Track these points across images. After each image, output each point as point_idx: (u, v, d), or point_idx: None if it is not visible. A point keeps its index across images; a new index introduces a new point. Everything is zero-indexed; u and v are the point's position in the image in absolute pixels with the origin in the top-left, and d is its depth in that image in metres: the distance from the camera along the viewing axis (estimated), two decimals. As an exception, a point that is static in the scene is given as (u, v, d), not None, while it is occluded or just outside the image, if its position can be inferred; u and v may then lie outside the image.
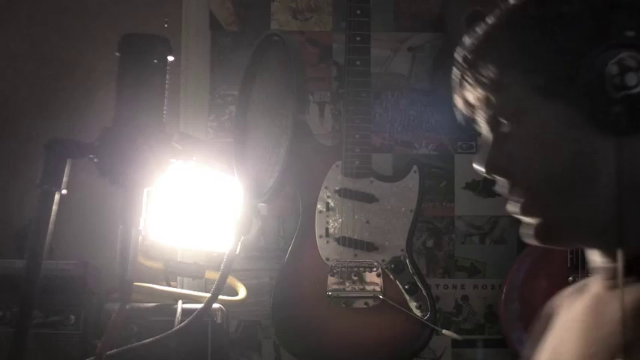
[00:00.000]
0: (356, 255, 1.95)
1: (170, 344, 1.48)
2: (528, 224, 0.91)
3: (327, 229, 1.96)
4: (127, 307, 0.78)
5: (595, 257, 0.93)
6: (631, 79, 0.81)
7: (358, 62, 1.98)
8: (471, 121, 0.98)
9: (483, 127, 0.95)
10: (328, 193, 1.97)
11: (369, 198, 1.97)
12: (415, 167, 1.99)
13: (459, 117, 0.99)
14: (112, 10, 2.16)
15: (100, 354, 0.79)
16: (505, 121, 0.90)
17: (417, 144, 2.17)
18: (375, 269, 1.94)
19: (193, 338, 1.52)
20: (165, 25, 2.08)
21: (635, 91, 0.81)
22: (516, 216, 0.92)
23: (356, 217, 1.96)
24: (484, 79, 0.90)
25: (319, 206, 1.97)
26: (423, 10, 2.23)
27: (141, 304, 1.57)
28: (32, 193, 0.77)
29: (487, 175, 0.93)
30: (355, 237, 1.96)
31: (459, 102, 0.96)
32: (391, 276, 1.94)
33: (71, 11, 2.18)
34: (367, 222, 1.96)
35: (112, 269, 0.85)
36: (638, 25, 0.84)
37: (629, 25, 0.84)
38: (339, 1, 2.21)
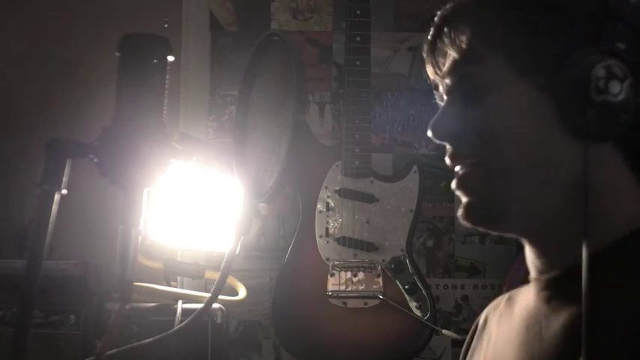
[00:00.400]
0: (356, 255, 1.95)
1: (170, 344, 1.48)
2: (462, 202, 0.89)
3: (327, 229, 1.96)
4: (127, 307, 0.78)
5: (531, 260, 0.91)
6: (615, 86, 0.80)
7: (358, 62, 1.98)
8: (434, 88, 0.96)
9: (443, 93, 0.92)
10: (328, 193, 1.97)
11: (369, 198, 1.97)
12: (415, 167, 1.99)
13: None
14: (112, 10, 2.16)
15: (100, 354, 0.79)
16: (471, 90, 0.87)
17: (417, 144, 2.17)
18: (375, 269, 1.94)
19: (193, 338, 1.52)
20: (165, 25, 2.08)
21: (614, 99, 0.80)
22: (454, 190, 0.89)
23: (356, 217, 1.96)
24: (462, 43, 0.87)
25: (319, 206, 1.97)
26: (423, 10, 2.23)
27: (141, 304, 1.57)
28: (32, 193, 0.77)
29: (436, 140, 0.90)
30: (355, 237, 1.96)
31: (427, 65, 0.93)
32: (391, 276, 1.94)
33: (71, 11, 2.18)
34: (367, 222, 1.96)
35: (112, 269, 0.85)
36: (629, 39, 0.83)
37: (621, 37, 0.83)
38: (339, 1, 2.21)
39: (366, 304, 1.92)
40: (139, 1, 2.18)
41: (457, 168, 0.89)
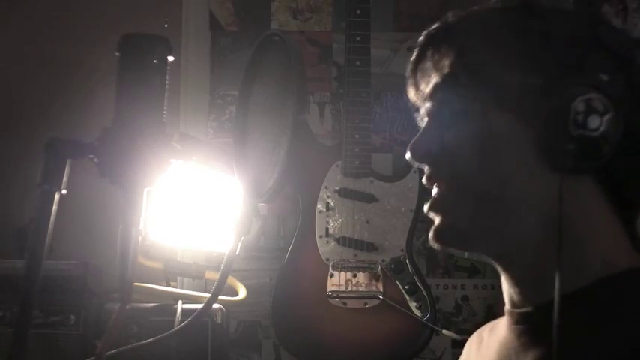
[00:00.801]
0: (356, 255, 1.95)
1: (170, 344, 1.48)
2: (434, 223, 0.88)
3: (327, 229, 1.96)
4: (127, 307, 0.78)
5: (506, 289, 0.90)
6: (594, 121, 0.78)
7: (358, 62, 1.98)
8: (415, 110, 0.96)
9: (424, 115, 0.92)
10: (328, 193, 1.97)
11: (369, 198, 1.97)
12: (415, 167, 1.98)
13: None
14: (112, 10, 2.16)
15: (100, 354, 0.80)
16: (450, 115, 0.87)
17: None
18: (375, 269, 1.94)
19: (193, 338, 1.52)
20: (165, 25, 2.08)
21: (592, 134, 0.78)
22: (426, 212, 0.89)
23: (356, 217, 1.96)
24: (444, 67, 0.87)
25: (319, 206, 1.97)
26: (422, 10, 2.23)
27: (141, 304, 1.57)
28: (32, 193, 0.77)
29: (413, 161, 0.90)
30: (355, 237, 1.96)
31: (410, 86, 0.93)
32: (391, 276, 1.94)
33: (71, 11, 2.18)
34: (367, 222, 1.96)
35: (112, 269, 0.85)
36: (612, 71, 0.81)
37: (605, 68, 0.82)
38: (339, 1, 2.21)
39: (366, 304, 1.92)
40: (139, 1, 2.18)
41: (433, 191, 0.89)
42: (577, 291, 0.81)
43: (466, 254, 0.91)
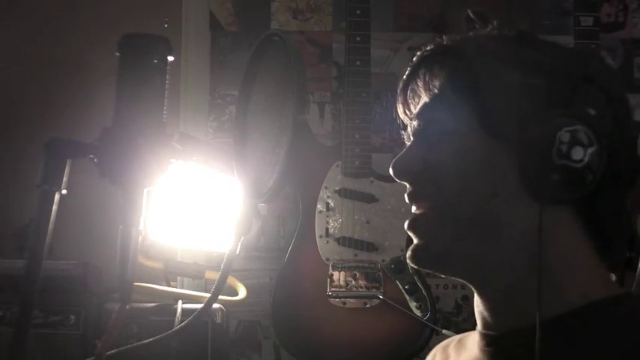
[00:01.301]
0: (356, 255, 1.95)
1: (170, 344, 1.48)
2: (413, 243, 0.89)
3: (327, 229, 1.96)
4: (127, 307, 0.78)
5: (479, 310, 0.90)
6: (577, 153, 0.79)
7: (358, 62, 1.98)
8: (402, 128, 0.96)
9: (410, 134, 0.92)
10: (328, 193, 1.97)
11: (369, 198, 1.97)
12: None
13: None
14: (112, 10, 2.16)
15: (100, 354, 0.79)
16: (435, 135, 0.87)
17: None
18: (375, 269, 1.94)
19: (193, 338, 1.52)
20: (165, 25, 2.08)
21: (575, 165, 0.79)
22: (406, 230, 0.90)
23: (356, 217, 1.96)
24: (434, 88, 0.87)
25: (319, 206, 1.97)
26: (422, 11, 2.23)
27: (141, 304, 1.57)
28: (32, 193, 0.77)
29: (396, 178, 0.90)
30: (355, 237, 1.96)
31: (399, 104, 0.94)
32: (391, 276, 1.94)
33: (71, 11, 2.18)
34: (367, 222, 1.96)
35: (112, 269, 0.85)
36: (600, 106, 0.82)
37: (592, 103, 0.82)
38: (339, 1, 2.21)
39: (365, 304, 1.92)
40: (139, 1, 2.18)
41: (413, 208, 0.90)
42: (552, 319, 0.81)
43: (442, 275, 0.91)
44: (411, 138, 0.92)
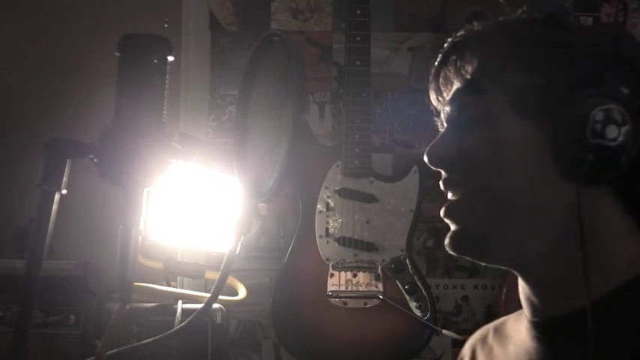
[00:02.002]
0: (356, 255, 1.95)
1: (170, 344, 1.48)
2: (450, 229, 0.88)
3: (327, 229, 1.96)
4: (127, 307, 0.78)
5: (526, 296, 0.89)
6: (612, 131, 0.78)
7: (358, 62, 1.98)
8: (435, 115, 0.96)
9: (444, 120, 0.92)
10: (328, 193, 1.97)
11: (369, 198, 1.97)
12: (415, 167, 1.99)
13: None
14: (112, 10, 2.16)
15: (100, 354, 0.79)
16: (469, 120, 0.87)
17: (417, 144, 2.17)
18: (375, 269, 1.94)
19: (193, 338, 1.52)
20: (165, 25, 2.08)
21: (610, 144, 0.78)
22: (442, 217, 0.89)
23: (356, 217, 1.96)
24: (466, 74, 0.87)
25: (319, 206, 1.97)
26: (423, 10, 2.23)
27: (141, 304, 1.57)
28: (32, 193, 0.77)
29: (431, 166, 0.90)
30: (355, 237, 1.96)
31: (431, 91, 0.93)
32: (391, 276, 1.94)
33: (71, 11, 2.18)
34: (367, 222, 1.96)
35: (112, 269, 0.85)
36: (633, 84, 0.82)
37: (625, 81, 0.82)
38: (339, 1, 2.21)
39: (366, 304, 1.92)
40: (139, 1, 2.18)
41: (449, 195, 0.89)
42: (602, 297, 0.81)
43: (483, 263, 0.90)
44: (445, 124, 0.92)
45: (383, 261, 1.95)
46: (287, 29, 2.22)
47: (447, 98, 0.90)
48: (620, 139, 0.79)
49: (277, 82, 0.89)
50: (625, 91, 0.81)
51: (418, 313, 1.91)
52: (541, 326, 0.87)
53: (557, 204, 0.83)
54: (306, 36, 2.23)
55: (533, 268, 0.87)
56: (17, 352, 0.74)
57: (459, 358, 1.06)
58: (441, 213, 0.89)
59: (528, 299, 0.89)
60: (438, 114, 0.94)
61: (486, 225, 0.85)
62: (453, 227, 0.88)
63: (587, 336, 0.78)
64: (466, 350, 1.04)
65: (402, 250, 1.96)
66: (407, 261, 1.95)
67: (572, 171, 0.81)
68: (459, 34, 0.91)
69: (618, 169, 0.80)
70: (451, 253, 0.88)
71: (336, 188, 1.97)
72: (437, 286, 2.15)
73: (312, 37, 2.23)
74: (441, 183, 0.90)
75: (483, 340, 1.02)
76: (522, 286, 0.90)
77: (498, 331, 0.99)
